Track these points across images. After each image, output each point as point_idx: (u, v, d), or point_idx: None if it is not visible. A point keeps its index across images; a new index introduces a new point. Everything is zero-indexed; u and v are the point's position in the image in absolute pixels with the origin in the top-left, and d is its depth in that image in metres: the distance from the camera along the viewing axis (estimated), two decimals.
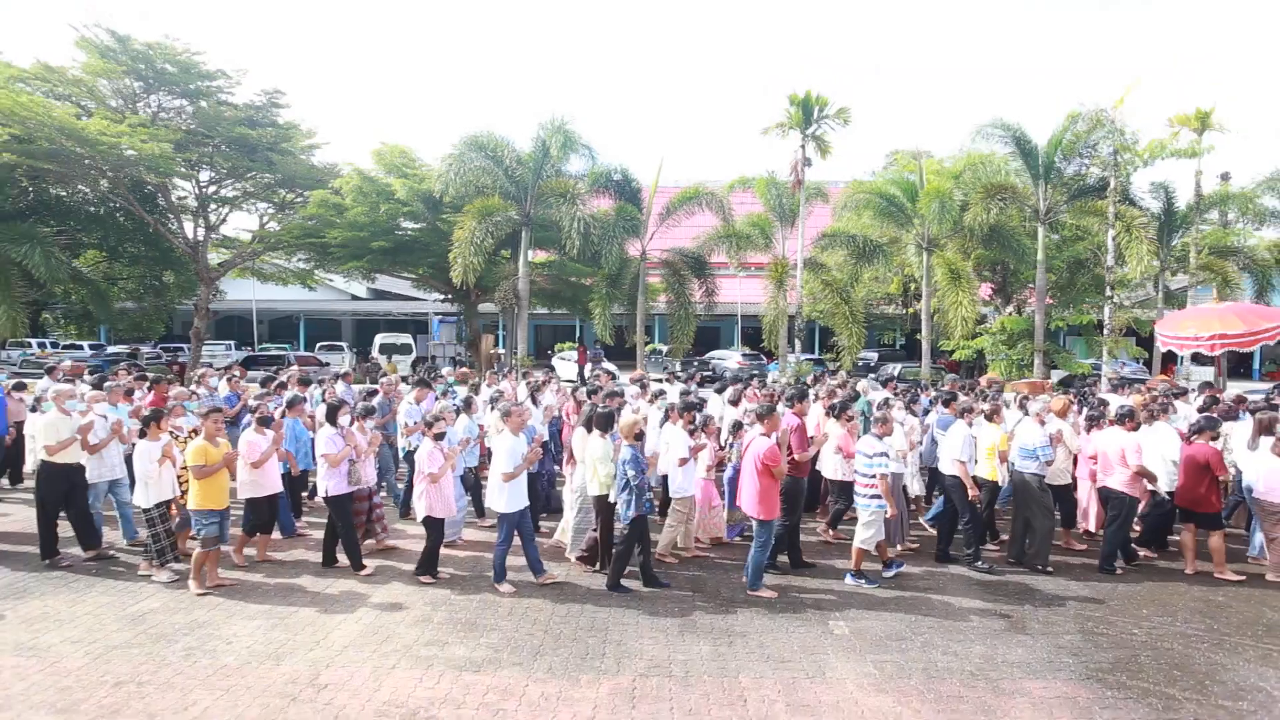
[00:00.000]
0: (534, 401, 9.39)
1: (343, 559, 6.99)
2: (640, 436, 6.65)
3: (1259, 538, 7.39)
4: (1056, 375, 21.34)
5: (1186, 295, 21.23)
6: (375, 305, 40.00)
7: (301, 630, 5.64)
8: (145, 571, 6.78)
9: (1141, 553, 7.62)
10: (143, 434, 6.72)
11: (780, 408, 7.38)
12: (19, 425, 9.97)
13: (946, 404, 8.27)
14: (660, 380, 12.27)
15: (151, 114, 23.00)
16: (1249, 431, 7.43)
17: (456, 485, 7.36)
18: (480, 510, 8.61)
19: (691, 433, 7.27)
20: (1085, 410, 8.45)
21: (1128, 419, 7.21)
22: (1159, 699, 4.79)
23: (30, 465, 8.39)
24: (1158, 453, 7.45)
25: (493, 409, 9.13)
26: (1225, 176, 22.41)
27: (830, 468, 7.90)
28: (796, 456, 7.15)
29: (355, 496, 7.07)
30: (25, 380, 11.17)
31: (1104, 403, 8.86)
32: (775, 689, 4.84)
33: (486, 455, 8.92)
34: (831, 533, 8.17)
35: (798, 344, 22.32)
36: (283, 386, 9.35)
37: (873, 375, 20.61)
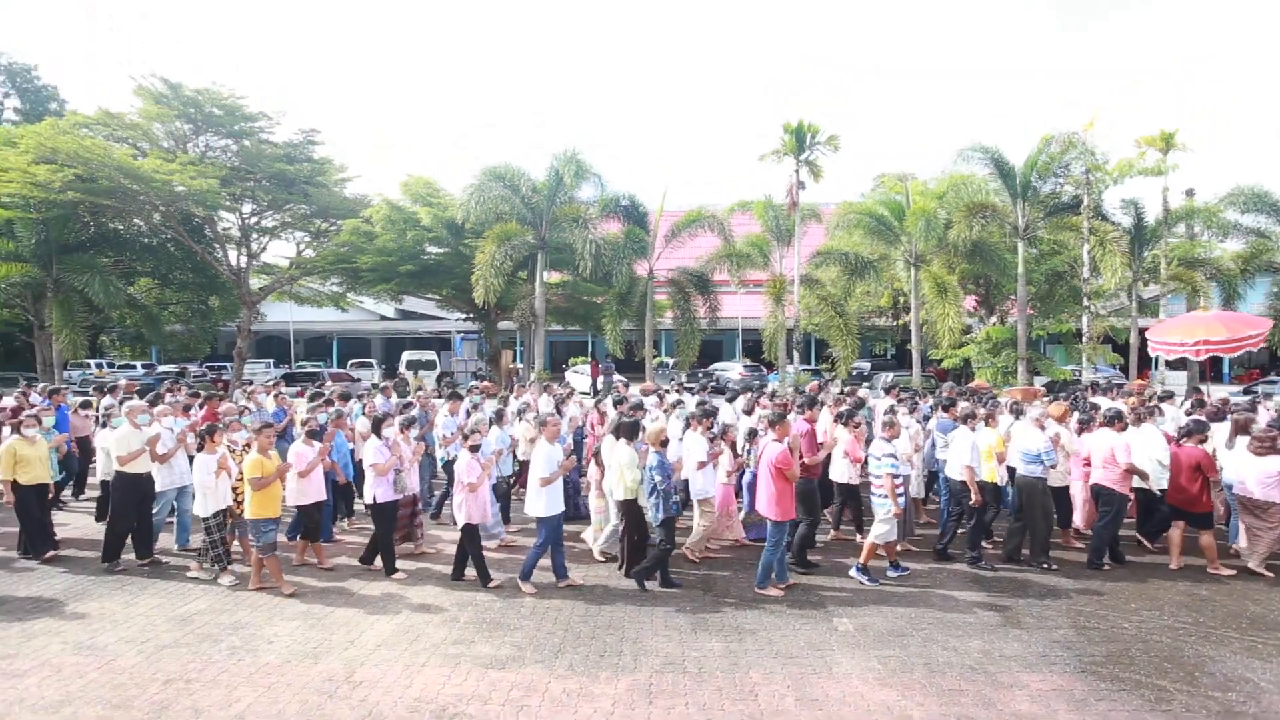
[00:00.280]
0: (559, 412, 9.35)
1: (377, 562, 6.93)
2: (666, 443, 6.59)
3: (1237, 525, 7.22)
4: (1039, 381, 21.11)
5: (1158, 304, 21.02)
6: (402, 324, 40.15)
7: (337, 630, 5.57)
8: (195, 574, 6.75)
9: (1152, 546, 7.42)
10: (200, 447, 6.71)
11: (792, 415, 7.32)
12: (82, 441, 10.03)
13: (946, 409, 8.15)
14: (676, 391, 12.20)
15: (200, 153, 23.36)
16: (1228, 432, 7.30)
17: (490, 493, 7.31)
18: (506, 517, 8.53)
19: (711, 440, 7.23)
20: (1077, 414, 8.32)
21: (1116, 420, 7.09)
22: (1151, 690, 4.65)
23: (101, 476, 8.43)
24: (1145, 453, 7.30)
25: (520, 420, 9.10)
26: (1190, 193, 22.28)
27: (839, 472, 7.80)
28: (806, 460, 7.08)
29: (400, 503, 7.02)
30: (90, 399, 11.25)
31: (1095, 406, 8.72)
32: (785, 684, 4.72)
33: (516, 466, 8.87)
34: (834, 533, 8.06)
35: (796, 355, 22.20)
36: (330, 402, 9.32)
37: (868, 384, 20.47)
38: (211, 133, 23.49)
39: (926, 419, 9.15)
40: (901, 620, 5.77)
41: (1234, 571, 6.82)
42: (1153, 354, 13.84)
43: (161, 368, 30.78)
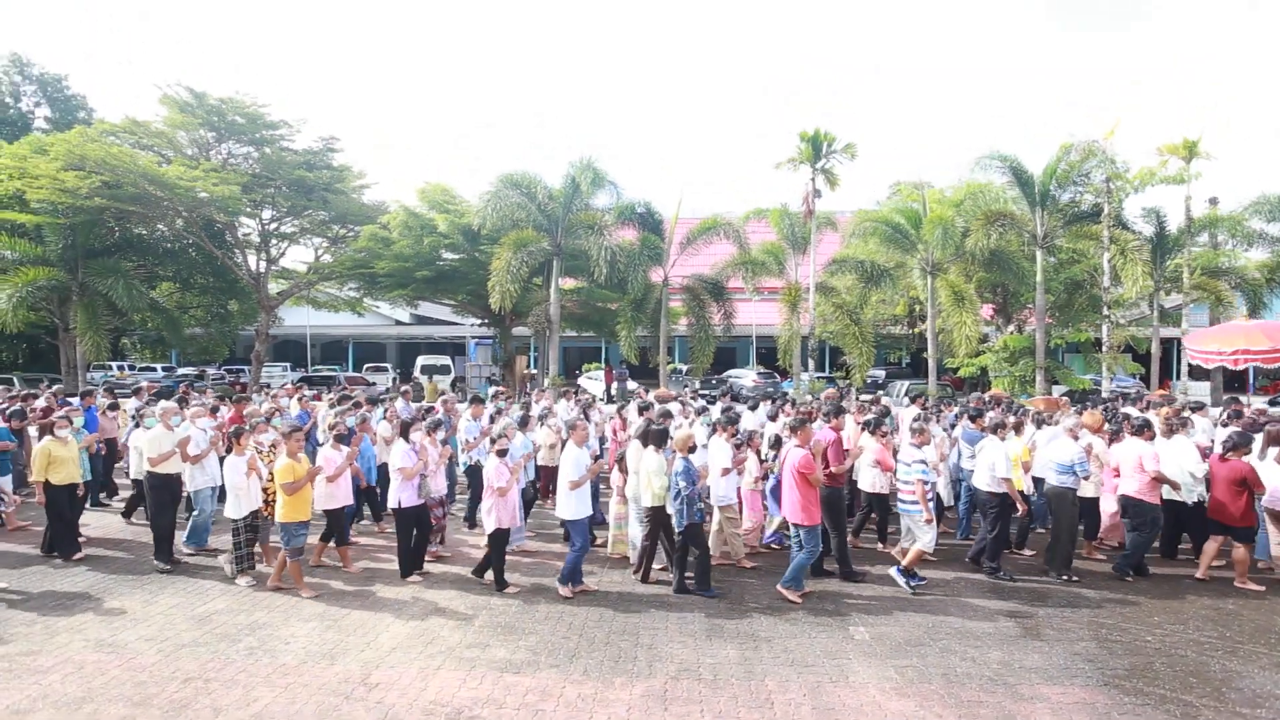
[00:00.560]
0: (585, 417, 9.38)
1: (392, 564, 6.96)
2: (693, 449, 6.58)
3: (1266, 539, 7.05)
4: (1057, 390, 20.82)
5: (1181, 314, 20.68)
6: (417, 329, 40.46)
7: (353, 632, 5.61)
8: (225, 568, 6.79)
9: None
10: (229, 449, 6.79)
11: (818, 423, 7.29)
12: (109, 442, 10.21)
13: (974, 419, 8.05)
14: (692, 398, 12.22)
15: (222, 160, 23.78)
16: (1260, 443, 7.15)
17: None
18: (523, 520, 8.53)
19: (737, 447, 7.22)
20: (1107, 424, 8.20)
21: (1145, 429, 6.98)
22: (1176, 705, 4.55)
23: (134, 475, 8.56)
24: (1177, 464, 7.16)
25: (541, 425, 9.12)
26: (1214, 201, 21.91)
27: (867, 480, 7.74)
28: (834, 469, 7.03)
29: (429, 504, 7.06)
30: (118, 401, 11.44)
31: (1126, 417, 8.58)
32: (801, 692, 4.68)
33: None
34: (852, 540, 8.00)
35: (810, 363, 22.09)
36: (357, 405, 9.39)
37: (884, 392, 20.31)
38: (234, 140, 23.92)
39: (951, 427, 9.10)
40: (919, 629, 5.70)
41: (1263, 587, 6.67)
42: (1190, 362, 13.55)
43: (181, 370, 31.26)
